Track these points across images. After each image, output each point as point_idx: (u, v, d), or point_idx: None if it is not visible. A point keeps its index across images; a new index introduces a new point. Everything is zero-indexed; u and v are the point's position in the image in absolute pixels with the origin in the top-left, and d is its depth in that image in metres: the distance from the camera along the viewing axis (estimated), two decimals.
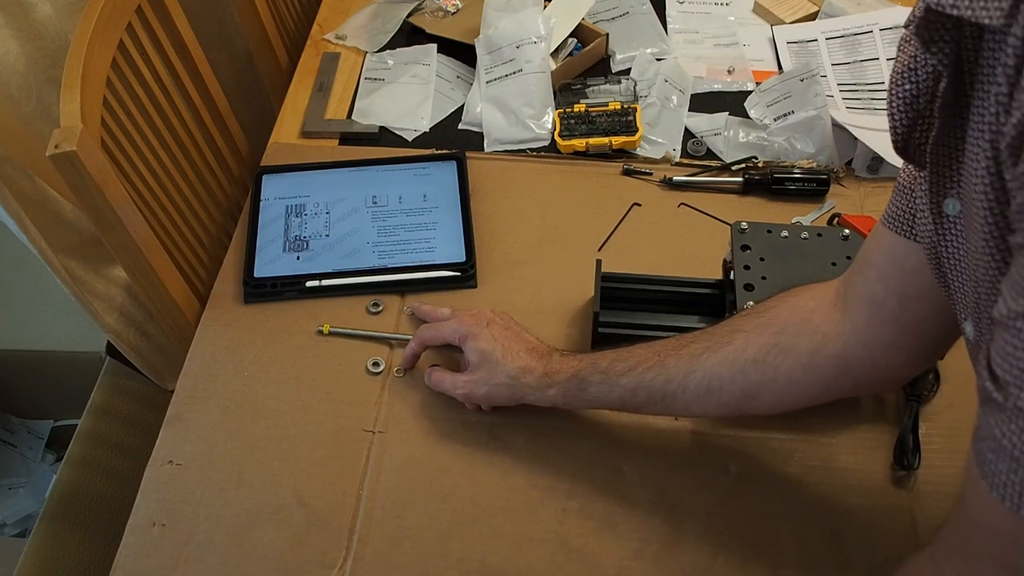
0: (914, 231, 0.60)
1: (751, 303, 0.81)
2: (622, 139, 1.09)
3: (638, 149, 1.11)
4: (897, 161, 1.06)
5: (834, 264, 0.85)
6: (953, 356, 0.86)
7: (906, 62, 0.52)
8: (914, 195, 0.59)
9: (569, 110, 1.12)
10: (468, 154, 1.10)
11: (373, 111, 1.17)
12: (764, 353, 0.70)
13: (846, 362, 0.68)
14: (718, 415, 0.81)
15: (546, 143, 1.12)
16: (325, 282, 0.98)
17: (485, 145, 1.13)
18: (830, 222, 1.02)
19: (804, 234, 0.87)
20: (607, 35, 1.21)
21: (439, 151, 1.11)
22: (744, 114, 1.13)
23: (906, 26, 0.52)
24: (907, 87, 0.52)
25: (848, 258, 0.85)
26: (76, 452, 1.21)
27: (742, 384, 0.71)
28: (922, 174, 0.54)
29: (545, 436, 0.86)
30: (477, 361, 0.82)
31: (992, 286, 0.47)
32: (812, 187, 1.04)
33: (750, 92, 1.15)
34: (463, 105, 1.17)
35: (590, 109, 1.12)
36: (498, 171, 1.09)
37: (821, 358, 0.68)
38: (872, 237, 0.65)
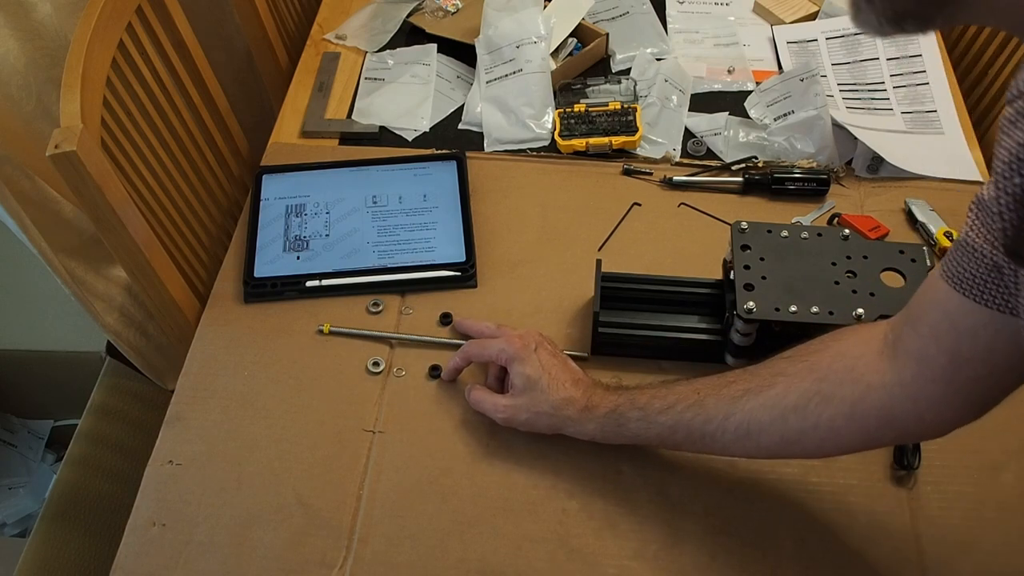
0: (985, 297, 0.55)
1: (752, 304, 0.81)
2: (622, 139, 1.09)
3: (638, 149, 1.11)
4: (898, 161, 1.06)
5: (834, 264, 0.85)
6: None
7: (1014, 151, 0.46)
8: (987, 260, 0.54)
9: (569, 110, 1.12)
10: (468, 154, 1.10)
11: (373, 111, 1.17)
12: (806, 400, 0.68)
13: (891, 414, 0.65)
14: (759, 457, 0.80)
15: (546, 143, 1.12)
16: (325, 282, 0.98)
17: (485, 145, 1.13)
18: (830, 222, 1.02)
19: (804, 234, 0.87)
20: (607, 35, 1.21)
21: (439, 151, 1.11)
22: (744, 114, 1.13)
23: (1010, 102, 0.47)
24: (1017, 180, 0.46)
25: (848, 258, 0.85)
26: (76, 452, 1.21)
27: (782, 430, 0.69)
28: None
29: (545, 436, 0.86)
30: (522, 386, 0.81)
31: None
32: (812, 187, 1.04)
33: (750, 92, 1.15)
34: (463, 105, 1.17)
35: (590, 109, 1.12)
36: (498, 171, 1.09)
37: (864, 408, 0.65)
38: (928, 290, 0.61)
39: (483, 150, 1.12)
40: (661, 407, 0.75)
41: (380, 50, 1.25)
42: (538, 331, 0.86)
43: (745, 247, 0.86)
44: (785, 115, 1.09)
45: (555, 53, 1.19)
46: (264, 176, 1.08)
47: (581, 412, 0.79)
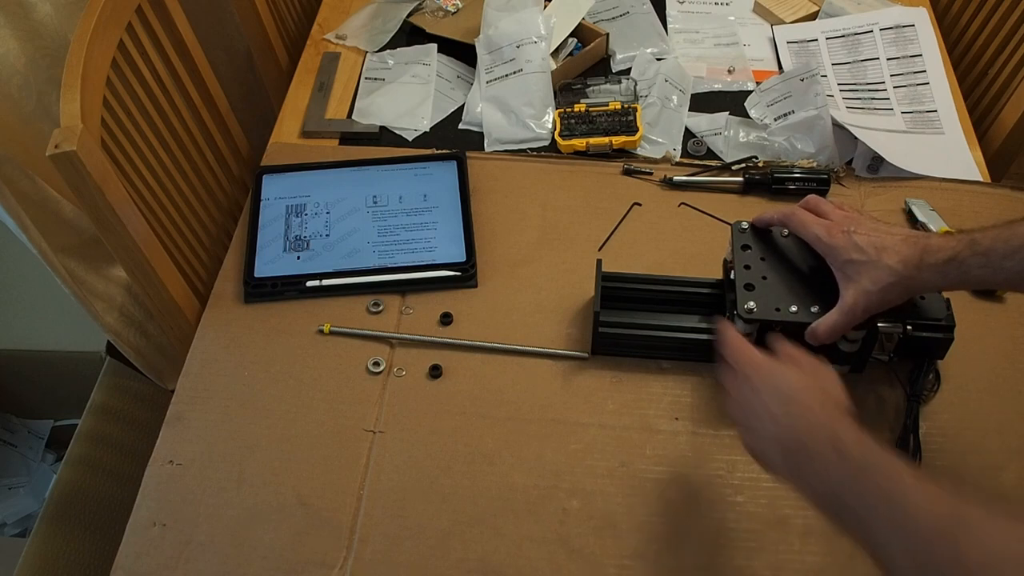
0: None
1: (752, 304, 0.81)
2: (622, 139, 1.09)
3: (638, 149, 1.11)
4: (898, 161, 1.06)
5: None
6: (953, 356, 0.87)
7: None
8: None
9: (569, 110, 1.12)
10: (468, 154, 1.10)
11: (373, 111, 1.17)
12: None
13: None
14: None
15: (546, 143, 1.12)
16: (325, 282, 0.98)
17: (485, 145, 1.13)
18: None
19: None
20: (607, 35, 1.21)
21: (439, 151, 1.11)
22: (744, 114, 1.13)
23: None
24: None
25: None
26: (76, 452, 1.21)
27: None
28: None
29: (546, 436, 0.86)
30: (854, 273, 0.77)
31: None
32: (812, 187, 1.04)
33: (750, 92, 1.15)
34: (463, 105, 1.17)
35: (590, 109, 1.12)
36: (498, 171, 1.09)
37: None
38: None
39: (483, 150, 1.12)
40: (1006, 251, 0.70)
41: (380, 50, 1.25)
42: (853, 210, 0.82)
43: (745, 247, 0.86)
44: (785, 115, 1.09)
45: (555, 53, 1.19)
46: (264, 176, 1.08)
47: (919, 268, 0.74)
